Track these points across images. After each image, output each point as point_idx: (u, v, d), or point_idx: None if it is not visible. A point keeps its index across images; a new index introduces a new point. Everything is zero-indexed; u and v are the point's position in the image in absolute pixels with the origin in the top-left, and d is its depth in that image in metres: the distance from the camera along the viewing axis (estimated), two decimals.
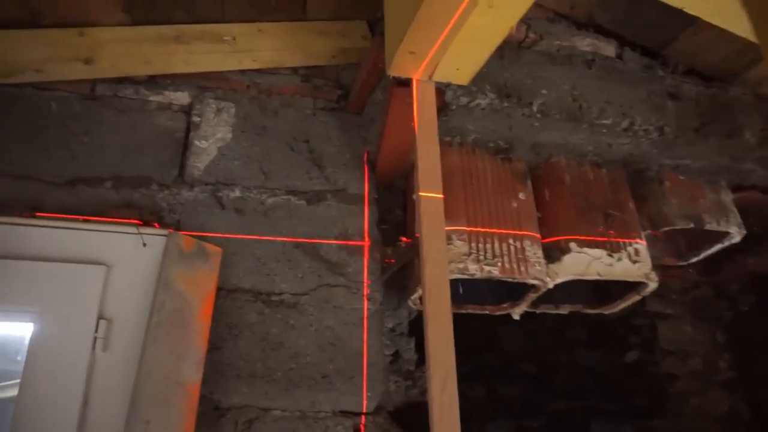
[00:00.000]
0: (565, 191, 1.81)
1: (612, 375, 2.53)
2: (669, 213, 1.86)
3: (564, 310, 2.03)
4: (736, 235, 1.95)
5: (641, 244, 1.81)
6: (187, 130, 1.83)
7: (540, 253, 1.70)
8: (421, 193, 1.36)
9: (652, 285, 1.77)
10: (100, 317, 1.44)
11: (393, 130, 1.71)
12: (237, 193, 1.77)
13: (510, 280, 1.64)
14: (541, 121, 1.64)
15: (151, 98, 1.84)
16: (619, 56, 1.79)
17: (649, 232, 1.90)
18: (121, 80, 1.81)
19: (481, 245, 1.63)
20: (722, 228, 1.91)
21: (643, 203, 1.92)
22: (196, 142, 1.80)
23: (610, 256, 1.73)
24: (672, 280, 2.47)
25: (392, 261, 1.81)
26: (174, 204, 1.71)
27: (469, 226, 1.65)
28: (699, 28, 1.67)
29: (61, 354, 1.39)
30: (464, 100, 1.56)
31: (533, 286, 1.70)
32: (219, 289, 1.61)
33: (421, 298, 1.79)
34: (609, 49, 1.79)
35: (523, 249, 1.67)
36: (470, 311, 1.93)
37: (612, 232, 1.74)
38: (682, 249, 2.21)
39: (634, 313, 2.17)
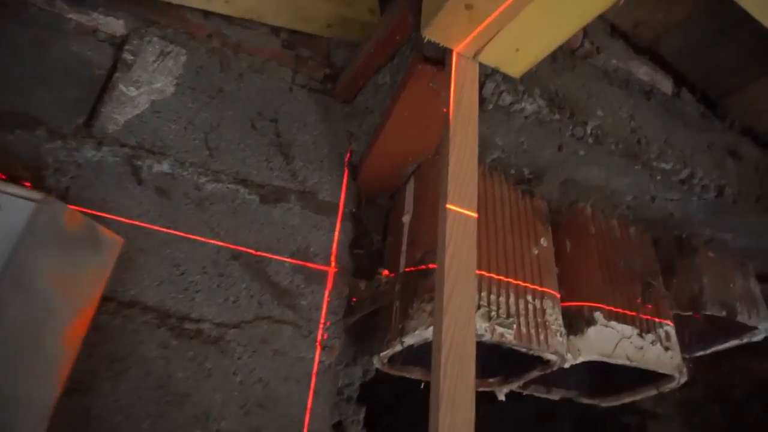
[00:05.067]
0: (591, 246, 1.44)
1: None
2: (703, 295, 1.53)
3: (556, 395, 1.62)
4: (762, 332, 1.65)
5: (671, 327, 1.46)
6: (113, 69, 1.30)
7: (560, 319, 1.29)
8: (449, 206, 0.92)
9: (682, 380, 1.41)
10: None
11: (398, 123, 1.29)
12: (164, 167, 1.25)
13: (524, 350, 1.21)
14: (591, 149, 1.27)
15: (70, 15, 1.31)
16: (676, 95, 1.48)
17: (675, 312, 1.56)
18: None
19: (494, 297, 1.20)
20: (752, 322, 1.60)
21: (671, 277, 1.58)
22: (122, 87, 1.27)
23: (641, 336, 1.36)
24: None
25: (364, 300, 1.33)
26: (66, 162, 1.16)
27: (481, 270, 1.22)
28: None
29: None
30: (507, 99, 1.16)
31: (547, 361, 1.28)
32: (106, 298, 1.06)
33: (390, 359, 1.32)
34: (666, 85, 1.48)
35: (543, 310, 1.25)
36: None
37: (650, 306, 1.37)
38: (686, 339, 1.89)
39: (624, 408, 1.81)
